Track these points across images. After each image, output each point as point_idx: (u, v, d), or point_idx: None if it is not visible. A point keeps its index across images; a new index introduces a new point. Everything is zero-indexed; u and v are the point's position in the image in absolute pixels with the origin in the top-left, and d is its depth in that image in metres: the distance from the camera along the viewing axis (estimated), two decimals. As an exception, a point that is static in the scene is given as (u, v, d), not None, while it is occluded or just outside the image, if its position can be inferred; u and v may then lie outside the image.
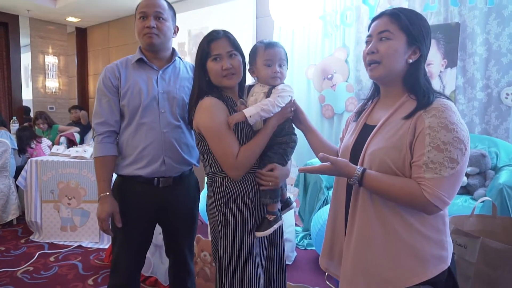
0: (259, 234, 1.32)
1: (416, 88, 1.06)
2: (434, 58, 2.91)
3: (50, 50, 6.24)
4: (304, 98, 3.70)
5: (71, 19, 6.05)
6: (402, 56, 1.06)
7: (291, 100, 1.35)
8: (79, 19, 6.09)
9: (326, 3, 3.54)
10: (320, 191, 2.58)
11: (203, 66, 1.36)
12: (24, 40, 6.06)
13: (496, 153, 2.53)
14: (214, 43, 1.34)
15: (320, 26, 3.60)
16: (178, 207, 1.65)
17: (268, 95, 1.34)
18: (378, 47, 1.08)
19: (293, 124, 1.42)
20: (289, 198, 1.55)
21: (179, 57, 1.67)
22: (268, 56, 1.34)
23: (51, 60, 6.22)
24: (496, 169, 2.49)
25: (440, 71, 2.92)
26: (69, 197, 3.21)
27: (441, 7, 2.94)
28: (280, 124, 1.35)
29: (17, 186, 3.65)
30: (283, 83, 1.38)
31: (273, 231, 1.45)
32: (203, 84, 1.37)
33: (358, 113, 1.25)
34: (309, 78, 3.70)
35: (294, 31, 3.76)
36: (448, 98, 1.04)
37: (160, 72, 1.58)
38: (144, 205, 1.58)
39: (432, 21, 2.97)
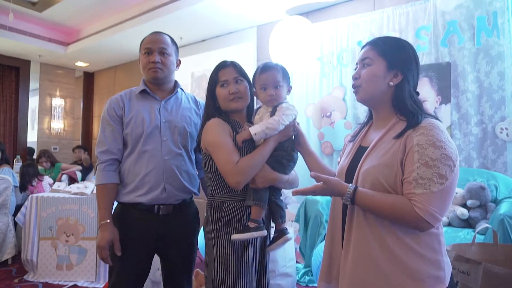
0: (234, 236, 1.31)
1: (404, 109, 1.12)
2: (429, 95, 3.01)
3: (58, 93, 6.46)
4: (303, 136, 3.76)
5: (80, 63, 6.32)
6: (382, 79, 1.13)
7: (294, 119, 1.40)
8: (88, 64, 6.36)
9: (323, 45, 3.73)
10: (321, 226, 2.55)
11: (213, 93, 1.45)
12: (33, 84, 6.28)
13: (495, 186, 2.54)
14: (222, 71, 1.44)
15: (318, 67, 3.76)
16: (177, 236, 1.65)
17: (272, 114, 1.39)
18: (360, 73, 1.16)
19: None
20: (286, 228, 1.51)
21: (181, 89, 1.74)
22: (262, 81, 1.42)
23: (58, 102, 6.42)
24: (496, 202, 2.48)
25: (435, 107, 3.01)
26: (68, 234, 3.17)
27: (431, 48, 3.09)
28: (280, 141, 1.39)
29: (15, 224, 3.62)
30: (286, 102, 1.44)
31: (259, 258, 1.44)
32: (212, 109, 1.45)
33: (354, 136, 1.30)
34: (308, 116, 3.80)
35: (293, 72, 3.92)
36: (436, 118, 1.09)
37: (163, 102, 1.65)
38: (144, 232, 1.58)
39: (424, 60, 3.11)
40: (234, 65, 1.46)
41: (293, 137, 1.44)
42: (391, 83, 1.13)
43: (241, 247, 1.34)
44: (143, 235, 1.58)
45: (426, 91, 3.01)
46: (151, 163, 1.58)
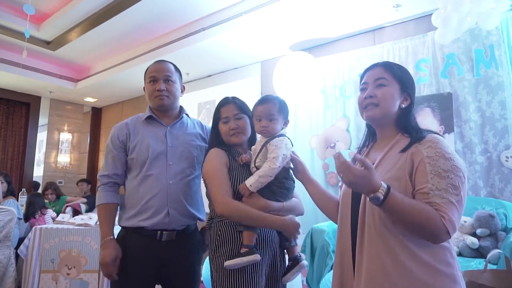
0: (226, 263, 1.32)
1: (408, 128, 1.16)
2: (432, 125, 3.04)
3: (66, 128, 6.59)
4: (308, 167, 3.75)
5: (88, 99, 6.49)
6: (397, 101, 1.17)
7: (287, 158, 1.42)
8: (96, 99, 6.53)
9: (326, 78, 3.83)
10: (328, 256, 2.49)
11: (216, 128, 1.55)
12: (42, 119, 6.42)
13: (504, 214, 2.49)
14: (223, 108, 1.54)
15: (321, 99, 3.84)
16: (180, 264, 1.61)
17: (264, 146, 1.44)
18: (376, 92, 1.17)
19: (291, 174, 1.47)
20: (300, 255, 1.49)
21: (186, 114, 1.78)
22: (258, 112, 1.49)
23: (65, 136, 6.53)
24: (507, 230, 2.43)
25: (439, 137, 3.02)
26: (69, 267, 3.11)
27: (432, 79, 3.16)
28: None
29: (16, 257, 3.55)
30: (281, 135, 1.46)
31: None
32: (215, 142, 1.54)
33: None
34: (312, 147, 3.82)
35: (296, 105, 4.00)
36: (438, 135, 1.13)
37: (169, 127, 1.68)
38: (147, 259, 1.56)
39: (425, 91, 3.17)
40: (234, 102, 1.55)
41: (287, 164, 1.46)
42: (403, 106, 1.18)
43: (238, 269, 1.33)
44: (145, 261, 1.56)
45: (429, 121, 3.05)
46: (155, 187, 1.59)
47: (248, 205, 1.36)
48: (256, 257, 1.31)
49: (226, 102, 1.56)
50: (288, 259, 1.49)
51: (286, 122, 1.52)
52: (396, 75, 1.18)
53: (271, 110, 1.47)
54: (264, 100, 1.50)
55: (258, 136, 1.55)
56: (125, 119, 1.75)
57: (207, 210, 1.81)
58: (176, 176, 1.62)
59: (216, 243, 1.40)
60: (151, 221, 1.56)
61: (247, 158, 1.49)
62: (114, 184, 1.66)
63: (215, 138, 1.56)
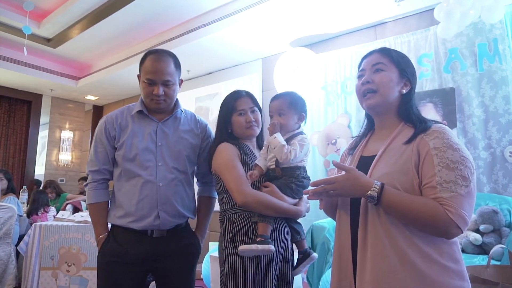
0: (240, 248, 1.31)
1: (411, 116, 1.12)
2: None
3: (67, 126, 6.58)
4: (309, 164, 3.74)
5: (90, 97, 6.48)
6: (396, 86, 1.13)
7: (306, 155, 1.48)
8: (97, 97, 6.52)
9: (327, 75, 3.79)
10: (328, 253, 2.46)
11: (227, 120, 1.52)
12: (44, 117, 6.41)
13: (508, 210, 2.45)
14: (239, 100, 1.53)
15: (322, 95, 3.80)
16: (173, 257, 1.57)
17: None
18: (373, 78, 1.13)
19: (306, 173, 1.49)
20: (309, 248, 1.51)
21: (181, 110, 1.67)
22: (269, 109, 1.53)
23: (66, 135, 6.52)
24: (511, 227, 2.39)
25: (441, 133, 2.98)
26: (69, 264, 3.10)
27: (434, 74, 3.12)
28: (296, 169, 1.44)
29: (17, 255, 3.55)
30: (301, 132, 1.48)
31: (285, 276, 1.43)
32: (224, 135, 1.52)
33: (353, 148, 1.28)
34: (313, 144, 3.79)
35: (297, 101, 3.96)
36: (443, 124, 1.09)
37: (160, 123, 1.60)
38: (137, 254, 1.52)
39: (427, 87, 3.13)
40: (249, 96, 1.57)
41: (306, 166, 1.49)
42: (403, 91, 1.14)
43: (252, 259, 1.33)
44: (136, 256, 1.52)
45: (431, 116, 3.00)
46: (144, 189, 1.52)
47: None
48: (271, 247, 1.31)
49: (240, 95, 1.55)
50: (298, 252, 1.51)
51: (301, 117, 1.50)
52: (393, 59, 1.15)
53: (281, 105, 1.48)
54: (275, 97, 1.53)
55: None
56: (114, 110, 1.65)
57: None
58: (166, 178, 1.55)
59: (231, 235, 1.38)
60: (141, 223, 1.51)
61: (255, 175, 1.44)
62: (105, 180, 1.62)
63: (225, 130, 1.54)
